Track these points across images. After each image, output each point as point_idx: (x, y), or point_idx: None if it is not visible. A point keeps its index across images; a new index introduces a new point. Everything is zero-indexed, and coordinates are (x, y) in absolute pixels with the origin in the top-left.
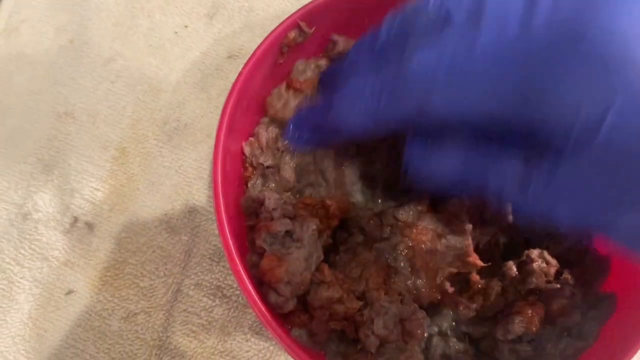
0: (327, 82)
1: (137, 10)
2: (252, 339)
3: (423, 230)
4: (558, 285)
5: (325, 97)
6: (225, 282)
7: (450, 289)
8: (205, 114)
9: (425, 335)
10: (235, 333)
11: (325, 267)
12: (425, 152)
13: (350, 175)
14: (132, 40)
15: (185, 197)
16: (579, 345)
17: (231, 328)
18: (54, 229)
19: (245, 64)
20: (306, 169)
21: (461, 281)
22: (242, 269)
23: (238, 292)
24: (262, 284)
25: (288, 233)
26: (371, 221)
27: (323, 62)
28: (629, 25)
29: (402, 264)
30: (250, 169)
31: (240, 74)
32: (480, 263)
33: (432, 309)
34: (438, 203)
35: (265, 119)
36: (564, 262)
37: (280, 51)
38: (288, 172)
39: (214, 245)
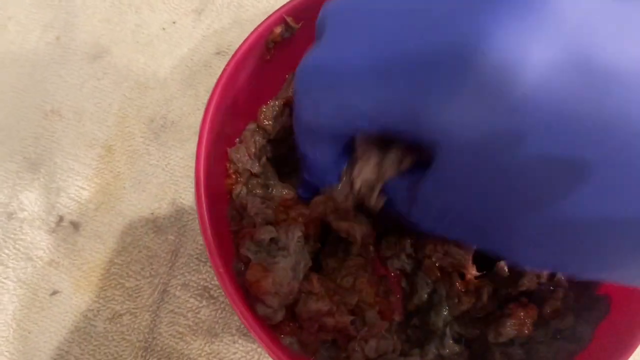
0: None
1: (125, 6)
2: (240, 341)
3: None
4: (551, 287)
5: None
6: (213, 282)
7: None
8: (193, 112)
9: None
10: (223, 334)
11: (314, 278)
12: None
13: None
14: (119, 36)
15: (172, 196)
16: (573, 347)
17: (218, 329)
18: (38, 228)
19: (229, 61)
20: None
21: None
22: (229, 282)
23: None
24: (249, 294)
25: (273, 240)
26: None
27: None
28: (509, 49)
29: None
30: (234, 175)
31: (224, 70)
32: (475, 273)
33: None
34: None
35: (253, 125)
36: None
37: (266, 47)
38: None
39: (201, 245)
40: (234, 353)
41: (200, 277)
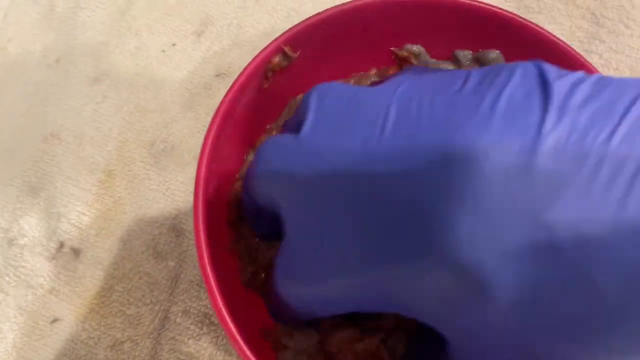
0: None
1: (124, 29)
2: None
3: None
4: None
5: None
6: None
7: None
8: (193, 134)
9: None
10: None
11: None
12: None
13: None
14: (119, 59)
15: (173, 221)
16: None
17: (219, 357)
18: (39, 254)
19: (228, 91)
20: None
21: None
22: (235, 331)
23: None
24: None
25: None
26: None
27: None
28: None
29: None
30: (235, 210)
31: (223, 100)
32: None
33: None
34: None
35: (252, 155)
36: None
37: (265, 76)
38: None
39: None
40: None
41: (201, 303)
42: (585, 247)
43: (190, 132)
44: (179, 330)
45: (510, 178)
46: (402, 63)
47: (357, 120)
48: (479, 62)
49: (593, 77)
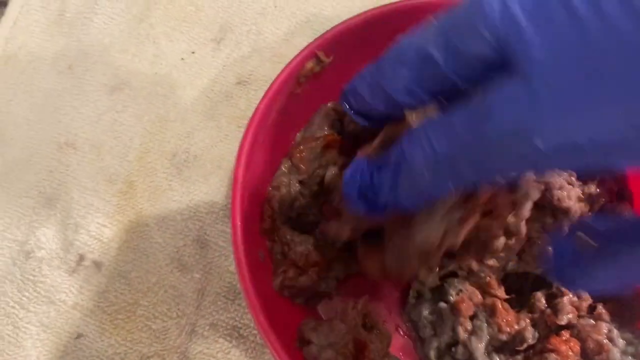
0: None
1: (142, 36)
2: None
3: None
4: (592, 321)
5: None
6: (242, 321)
7: None
8: (215, 144)
9: None
10: None
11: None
12: None
13: None
14: (137, 67)
15: (197, 233)
16: None
17: None
18: (58, 268)
19: (263, 98)
20: None
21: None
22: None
23: (255, 331)
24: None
25: None
26: None
27: None
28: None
29: None
30: (269, 220)
31: (257, 109)
32: (503, 295)
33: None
34: None
35: (287, 164)
36: (598, 295)
37: (297, 82)
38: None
39: (229, 283)
40: None
41: (228, 315)
42: None
43: (213, 142)
44: (207, 344)
45: None
46: None
47: None
48: None
49: None
